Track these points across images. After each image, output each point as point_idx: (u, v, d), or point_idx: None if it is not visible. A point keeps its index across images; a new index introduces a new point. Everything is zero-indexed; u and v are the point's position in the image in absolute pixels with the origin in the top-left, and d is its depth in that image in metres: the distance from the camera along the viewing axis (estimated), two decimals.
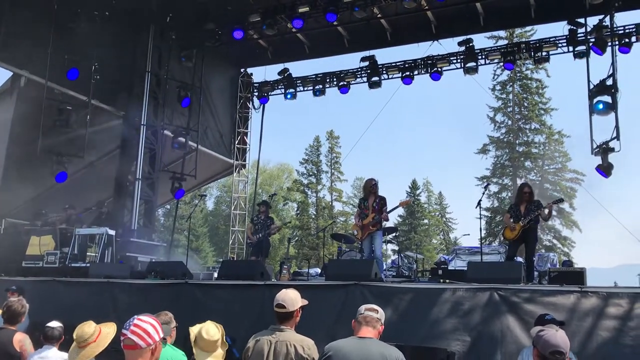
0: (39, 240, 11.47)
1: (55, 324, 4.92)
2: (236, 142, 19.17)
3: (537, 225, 9.45)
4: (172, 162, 16.13)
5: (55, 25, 12.28)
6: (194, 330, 4.03)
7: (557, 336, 3.06)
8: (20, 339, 4.97)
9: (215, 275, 10.98)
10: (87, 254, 11.79)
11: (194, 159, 15.55)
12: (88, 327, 3.90)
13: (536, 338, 3.15)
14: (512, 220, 9.30)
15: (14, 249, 11.74)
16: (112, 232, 11.63)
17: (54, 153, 12.62)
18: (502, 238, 10.89)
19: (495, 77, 39.48)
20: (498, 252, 14.53)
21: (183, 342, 4.35)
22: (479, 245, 14.44)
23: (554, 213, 37.25)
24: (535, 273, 11.81)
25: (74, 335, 3.91)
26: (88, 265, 10.60)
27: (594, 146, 12.64)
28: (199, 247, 41.99)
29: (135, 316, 2.85)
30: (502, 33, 35.86)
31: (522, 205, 9.36)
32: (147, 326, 2.79)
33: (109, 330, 3.77)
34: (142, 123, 14.56)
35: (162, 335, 2.87)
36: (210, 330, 3.96)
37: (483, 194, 10.43)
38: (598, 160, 12.52)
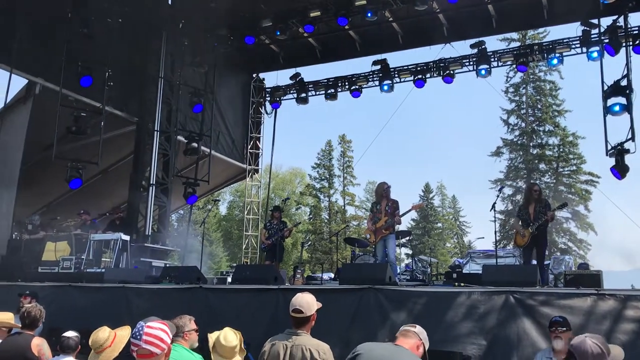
0: (55, 246, 11.55)
1: (71, 333, 4.93)
2: (249, 147, 19.22)
3: (546, 228, 9.42)
4: (185, 167, 16.22)
5: (69, 33, 12.40)
6: (212, 336, 4.04)
7: (589, 344, 2.91)
8: (39, 344, 5.00)
9: (229, 279, 11.00)
10: (102, 259, 11.86)
11: (207, 164, 15.61)
12: (102, 333, 3.92)
13: (573, 348, 2.98)
14: (521, 225, 9.32)
15: (30, 254, 11.84)
16: (126, 238, 11.69)
17: (69, 159, 12.72)
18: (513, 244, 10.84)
19: (508, 79, 39.35)
20: (513, 255, 14.40)
21: (200, 346, 4.35)
22: (493, 249, 14.32)
23: (569, 215, 37.21)
24: (551, 276, 11.75)
25: (90, 342, 3.94)
26: (103, 270, 10.66)
27: (609, 147, 12.52)
28: (212, 252, 42.08)
29: (142, 323, 2.82)
30: (514, 35, 35.74)
31: (530, 206, 9.37)
32: (159, 332, 2.78)
33: (124, 333, 3.79)
34: (156, 129, 14.64)
35: (171, 337, 2.87)
36: (229, 336, 3.97)
37: (497, 197, 10.35)
38: (613, 161, 12.42)
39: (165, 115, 15.07)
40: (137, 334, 2.74)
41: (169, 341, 2.79)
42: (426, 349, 3.57)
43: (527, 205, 9.50)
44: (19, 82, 12.74)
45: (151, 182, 14.36)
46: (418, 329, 3.62)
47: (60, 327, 7.43)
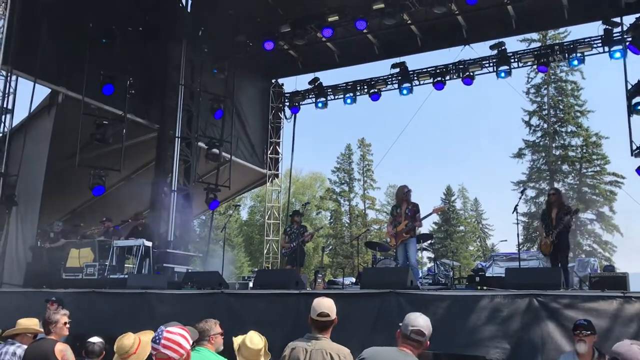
0: (79, 252, 11.69)
1: (96, 339, 4.97)
2: (269, 152, 19.29)
3: (568, 233, 9.38)
4: (206, 173, 16.32)
5: (91, 42, 12.59)
6: (237, 340, 4.07)
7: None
8: (62, 349, 5.03)
9: (251, 284, 11.03)
10: (125, 265, 11.97)
11: (228, 170, 15.69)
12: (127, 340, 3.96)
13: (613, 354, 2.85)
14: (544, 229, 9.38)
15: (51, 262, 12.00)
16: (149, 244, 11.79)
17: (92, 167, 12.89)
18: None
19: (529, 80, 39.01)
20: (537, 257, 14.23)
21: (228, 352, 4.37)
22: (516, 251, 14.17)
23: (593, 217, 36.66)
24: (576, 279, 11.58)
25: (115, 348, 3.97)
26: (126, 276, 10.76)
27: (634, 147, 12.33)
28: (234, 257, 42.26)
29: (163, 327, 2.84)
30: (534, 35, 35.41)
31: (552, 211, 9.42)
32: (178, 337, 2.79)
33: (147, 339, 3.80)
34: (177, 135, 14.79)
35: (191, 342, 2.88)
36: (254, 339, 4.03)
37: (520, 199, 10.24)
38: (638, 162, 12.23)
39: (186, 121, 15.22)
40: (157, 338, 2.77)
41: (188, 347, 2.80)
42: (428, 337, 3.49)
43: (549, 210, 9.53)
44: (42, 92, 12.98)
45: (173, 189, 14.49)
46: (427, 334, 3.50)
47: (84, 333, 7.53)
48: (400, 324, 3.56)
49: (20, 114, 12.95)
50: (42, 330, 5.43)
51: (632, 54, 12.61)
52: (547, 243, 9.24)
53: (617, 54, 13.51)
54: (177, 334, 2.80)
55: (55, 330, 5.28)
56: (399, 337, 3.51)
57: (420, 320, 3.49)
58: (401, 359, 3.38)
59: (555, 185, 37.63)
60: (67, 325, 5.42)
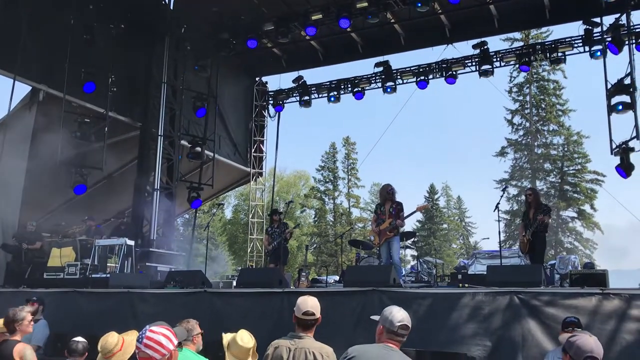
0: (60, 252, 11.57)
1: (80, 338, 4.91)
2: (252, 151, 19.25)
3: (543, 232, 9.53)
4: (189, 172, 16.25)
5: (72, 39, 12.45)
6: (227, 336, 4.09)
7: (591, 341, 3.00)
8: (20, 349, 4.87)
9: (234, 283, 11.00)
10: (107, 264, 11.85)
11: (211, 168, 15.63)
12: (112, 338, 3.94)
13: (568, 344, 3.07)
14: (523, 228, 9.63)
15: (31, 261, 11.86)
16: (131, 243, 11.71)
17: (73, 165, 12.76)
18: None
19: (512, 79, 39.34)
20: (518, 255, 14.36)
21: (205, 349, 4.37)
22: (498, 249, 14.30)
23: (574, 215, 37.07)
24: (557, 276, 11.72)
25: (99, 347, 3.95)
26: (108, 275, 10.67)
27: (614, 146, 12.49)
28: (218, 255, 42.14)
29: (147, 327, 2.84)
30: (517, 35, 35.70)
31: (530, 211, 9.59)
32: (160, 337, 2.78)
33: (132, 338, 3.80)
34: (159, 134, 14.69)
35: (176, 343, 2.87)
36: (245, 337, 4.07)
37: (501, 197, 10.33)
38: (618, 160, 12.39)
39: (169, 120, 15.12)
40: (140, 337, 2.79)
41: (171, 347, 2.79)
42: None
43: (527, 210, 9.74)
44: (23, 89, 12.82)
45: (156, 187, 14.40)
46: (410, 328, 3.50)
47: (65, 332, 7.47)
48: (379, 319, 3.50)
49: (0, 112, 12.81)
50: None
51: (612, 53, 12.77)
52: (524, 242, 9.48)
53: (598, 53, 13.69)
54: (160, 333, 2.80)
55: (20, 328, 5.08)
56: (382, 333, 3.43)
57: (403, 315, 3.45)
58: (393, 356, 3.33)
59: (537, 183, 38.04)
60: (32, 323, 5.28)
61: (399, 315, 3.43)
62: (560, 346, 5.41)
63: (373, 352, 3.36)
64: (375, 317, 3.57)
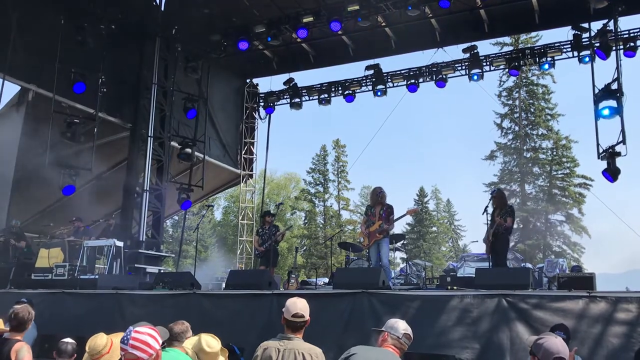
0: (48, 252, 11.49)
1: (69, 339, 4.88)
2: (243, 153, 19.24)
3: (506, 234, 9.46)
4: (179, 173, 16.21)
5: (62, 40, 12.39)
6: (192, 341, 4.07)
7: (558, 343, 3.12)
8: (16, 349, 4.81)
9: (224, 285, 10.98)
10: (96, 265, 11.82)
11: (201, 169, 15.60)
12: (100, 340, 3.93)
13: (535, 346, 3.19)
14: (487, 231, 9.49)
15: (18, 262, 11.78)
16: (120, 244, 11.66)
17: (62, 166, 12.69)
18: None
19: (501, 83, 39.57)
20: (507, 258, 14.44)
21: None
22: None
23: (563, 218, 37.29)
24: (545, 279, 11.78)
25: (87, 348, 3.93)
26: (97, 277, 10.60)
27: (600, 150, 12.59)
28: (207, 257, 42.00)
29: (132, 328, 2.82)
30: (507, 39, 35.87)
31: (495, 212, 9.51)
32: (146, 337, 2.78)
33: (119, 340, 3.79)
34: (149, 135, 14.66)
35: (161, 343, 2.87)
36: (211, 342, 4.07)
37: (490, 200, 10.35)
38: (605, 164, 12.48)
39: (159, 121, 15.09)
40: (125, 338, 2.76)
41: (157, 347, 2.79)
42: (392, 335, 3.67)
43: (493, 212, 9.57)
44: (12, 89, 12.75)
45: (145, 188, 14.36)
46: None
47: (54, 334, 7.42)
48: (384, 329, 3.70)
49: None
50: (7, 329, 5.18)
51: (600, 59, 12.89)
52: (487, 243, 9.41)
53: (586, 59, 13.81)
54: (146, 333, 2.79)
55: (27, 327, 5.07)
56: (386, 340, 3.63)
57: (407, 325, 3.72)
58: (387, 358, 3.49)
59: (526, 187, 38.28)
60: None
61: (403, 324, 3.71)
62: None
63: (374, 353, 3.51)
64: (378, 330, 3.80)
